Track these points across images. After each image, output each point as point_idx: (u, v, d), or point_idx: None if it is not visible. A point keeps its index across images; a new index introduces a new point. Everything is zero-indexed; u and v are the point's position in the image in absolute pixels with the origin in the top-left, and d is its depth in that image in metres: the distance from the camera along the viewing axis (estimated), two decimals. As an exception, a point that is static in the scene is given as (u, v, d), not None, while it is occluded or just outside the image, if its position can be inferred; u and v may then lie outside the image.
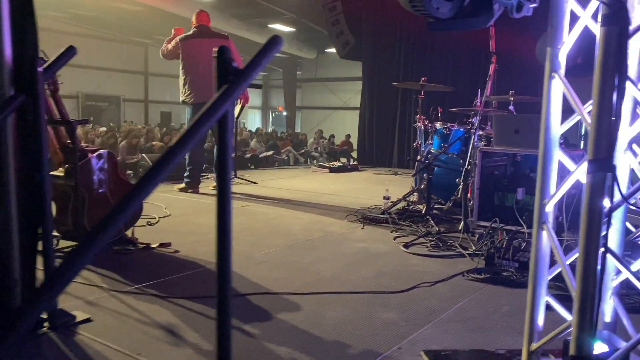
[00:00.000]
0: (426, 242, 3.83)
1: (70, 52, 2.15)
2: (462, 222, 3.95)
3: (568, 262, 1.72)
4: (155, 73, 23.54)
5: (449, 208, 4.65)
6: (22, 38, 2.07)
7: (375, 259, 3.39)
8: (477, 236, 3.79)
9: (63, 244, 3.30)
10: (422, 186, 5.01)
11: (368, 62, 9.91)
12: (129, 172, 8.79)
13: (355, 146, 15.30)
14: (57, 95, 3.06)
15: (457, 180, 4.65)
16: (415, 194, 5.10)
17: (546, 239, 1.79)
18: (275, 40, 1.64)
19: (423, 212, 4.55)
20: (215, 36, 5.85)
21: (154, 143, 11.15)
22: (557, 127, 1.78)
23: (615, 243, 1.80)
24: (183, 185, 5.86)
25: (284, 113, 25.33)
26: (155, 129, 13.49)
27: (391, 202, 4.95)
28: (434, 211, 4.73)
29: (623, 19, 1.47)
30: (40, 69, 2.04)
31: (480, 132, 4.48)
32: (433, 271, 3.17)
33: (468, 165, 4.03)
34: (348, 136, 15.45)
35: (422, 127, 4.98)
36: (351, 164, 8.92)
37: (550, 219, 1.81)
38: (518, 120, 3.70)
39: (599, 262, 1.55)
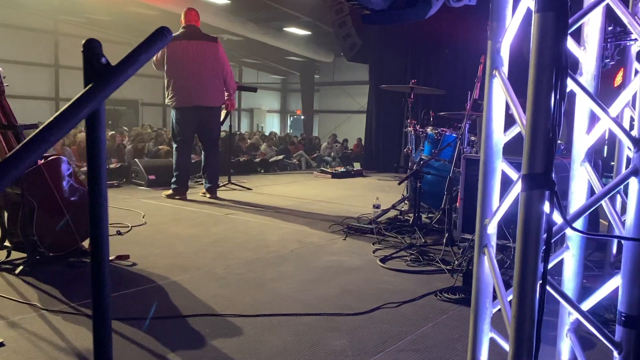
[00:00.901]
0: (407, 256, 3.56)
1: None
2: (446, 234, 3.67)
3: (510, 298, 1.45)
4: (174, 77, 23.65)
5: (440, 218, 4.36)
6: None
7: (344, 274, 3.14)
8: (461, 250, 3.51)
9: (15, 255, 3.14)
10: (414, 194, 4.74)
11: (375, 65, 9.66)
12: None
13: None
14: (3, 99, 2.91)
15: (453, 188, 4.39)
16: (406, 202, 4.82)
17: (488, 266, 1.52)
18: (158, 34, 1.41)
19: (411, 222, 4.27)
20: (203, 39, 5.62)
21: (160, 147, 11.06)
22: (499, 134, 1.52)
23: (572, 271, 1.52)
24: (170, 191, 5.70)
25: (302, 117, 25.17)
26: (164, 132, 13.43)
27: (381, 210, 4.70)
28: (424, 221, 4.46)
29: (561, 3, 1.20)
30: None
31: (473, 137, 4.19)
32: (404, 289, 2.90)
33: (453, 174, 3.75)
34: (360, 140, 15.17)
35: (413, 133, 4.71)
36: (355, 169, 8.66)
37: (493, 241, 1.54)
38: (503, 124, 3.40)
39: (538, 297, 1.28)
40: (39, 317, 2.34)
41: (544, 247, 1.26)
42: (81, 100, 1.34)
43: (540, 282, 1.27)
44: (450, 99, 6.87)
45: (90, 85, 1.35)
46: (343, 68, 23.13)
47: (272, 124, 27.61)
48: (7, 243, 3.18)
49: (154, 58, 5.56)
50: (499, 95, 1.48)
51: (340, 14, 9.78)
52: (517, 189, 1.44)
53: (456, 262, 3.32)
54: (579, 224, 1.41)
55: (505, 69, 1.48)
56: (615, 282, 1.40)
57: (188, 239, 3.91)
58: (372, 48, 9.63)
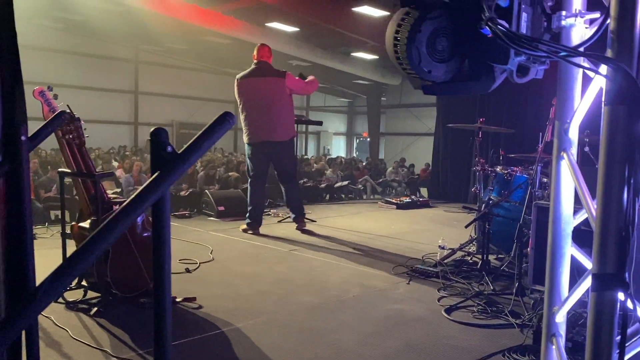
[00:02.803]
0: (474, 305, 3.44)
1: (58, 119, 2.11)
2: (516, 284, 3.51)
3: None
4: (244, 101, 24.49)
5: (509, 262, 4.19)
6: (11, 108, 2.07)
7: (407, 326, 3.07)
8: (532, 302, 3.35)
9: (90, 294, 3.31)
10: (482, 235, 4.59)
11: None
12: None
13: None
14: (83, 149, 3.11)
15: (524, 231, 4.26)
16: (474, 243, 4.68)
17: (556, 358, 1.44)
18: (222, 120, 1.47)
19: (479, 266, 4.13)
20: (272, 74, 5.75)
21: (230, 174, 11.39)
22: (568, 218, 1.44)
23: (651, 367, 1.40)
24: (244, 226, 5.83)
25: (368, 139, 25.19)
26: (234, 158, 13.83)
27: (448, 250, 4.59)
28: (493, 264, 4.29)
29: (634, 96, 1.13)
30: (24, 138, 2.01)
31: (545, 179, 4.01)
32: (469, 347, 2.80)
33: (523, 220, 3.59)
34: (428, 165, 14.91)
35: (481, 172, 4.57)
36: (421, 199, 8.52)
37: (562, 330, 1.46)
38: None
39: (611, 405, 1.19)
40: (109, 365, 2.45)
41: (617, 351, 1.18)
42: (148, 189, 1.40)
43: (614, 390, 1.18)
44: (521, 136, 6.63)
45: (157, 173, 1.42)
46: (410, 90, 22.97)
47: (338, 147, 27.79)
48: (84, 282, 3.36)
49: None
50: (567, 177, 1.41)
51: (407, 42, 9.72)
52: (589, 281, 1.36)
53: (527, 316, 3.17)
54: (658, 320, 1.31)
55: (574, 150, 1.41)
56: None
57: (252, 278, 3.97)
58: (439, 76, 9.50)
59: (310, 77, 6.00)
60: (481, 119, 4.71)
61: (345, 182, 13.10)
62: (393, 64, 1.77)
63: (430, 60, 1.62)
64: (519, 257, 3.53)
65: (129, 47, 19.39)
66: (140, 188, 1.44)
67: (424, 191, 14.87)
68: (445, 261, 4.43)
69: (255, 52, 5.90)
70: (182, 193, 9.49)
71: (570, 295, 1.40)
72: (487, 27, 1.35)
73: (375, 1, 13.41)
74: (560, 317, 1.44)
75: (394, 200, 8.17)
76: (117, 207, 3.21)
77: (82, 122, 3.06)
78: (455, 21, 1.56)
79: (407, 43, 1.60)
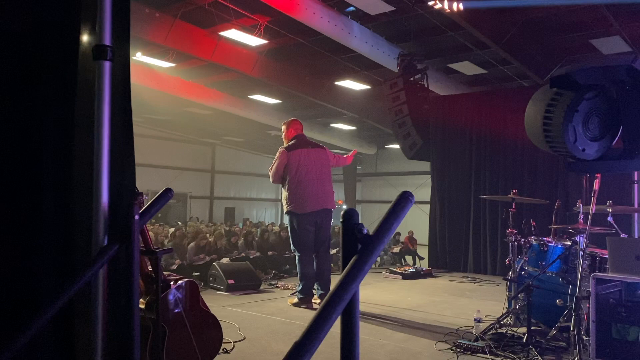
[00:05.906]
0: (535, 382, 3.34)
1: (166, 194, 2.03)
2: (576, 359, 3.45)
3: None
4: (221, 170, 24.47)
5: (554, 336, 4.15)
6: (120, 183, 1.97)
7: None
8: (598, 378, 3.28)
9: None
10: (517, 307, 4.56)
11: (437, 162, 9.75)
12: (196, 273, 8.62)
13: (419, 242, 14.89)
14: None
15: (557, 301, 4.25)
16: (511, 316, 4.62)
17: None
18: (404, 198, 1.43)
19: (524, 339, 4.06)
20: (316, 146, 5.81)
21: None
22: None
23: None
24: (295, 300, 5.63)
25: (344, 206, 25.34)
26: (220, 227, 13.58)
27: (483, 323, 4.51)
28: (536, 338, 4.23)
29: None
30: (136, 217, 1.90)
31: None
32: None
33: (579, 293, 3.59)
34: (411, 232, 15.04)
35: (515, 243, 4.59)
36: (424, 269, 8.49)
37: None
38: (639, 244, 3.29)
39: None
40: None
41: None
42: (351, 275, 1.33)
43: None
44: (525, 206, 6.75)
45: (354, 257, 1.35)
46: (386, 159, 23.56)
47: (314, 215, 27.76)
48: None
49: (273, 171, 5.67)
50: None
51: (399, 114, 10.05)
52: None
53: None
54: None
55: None
56: None
57: (297, 358, 3.77)
58: (433, 147, 9.78)
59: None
60: (514, 190, 4.79)
61: (335, 250, 12.96)
62: (535, 141, 1.80)
63: (585, 139, 1.65)
64: (577, 331, 3.48)
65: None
66: (344, 273, 1.36)
67: (408, 259, 14.92)
68: (485, 335, 4.34)
69: (290, 127, 5.85)
70: (173, 267, 9.01)
71: None
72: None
73: (358, 76, 13.95)
74: None
75: (399, 270, 8.12)
76: (174, 284, 3.06)
77: (145, 197, 2.95)
78: (612, 102, 1.61)
79: (564, 122, 1.63)
